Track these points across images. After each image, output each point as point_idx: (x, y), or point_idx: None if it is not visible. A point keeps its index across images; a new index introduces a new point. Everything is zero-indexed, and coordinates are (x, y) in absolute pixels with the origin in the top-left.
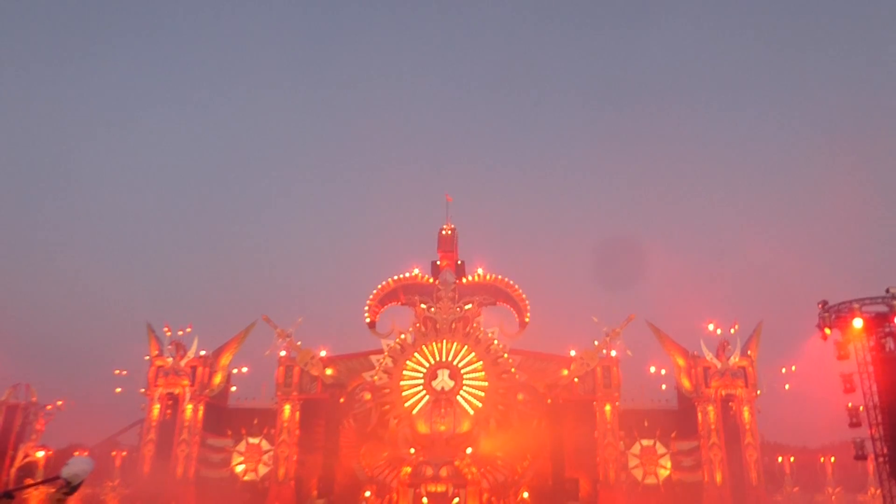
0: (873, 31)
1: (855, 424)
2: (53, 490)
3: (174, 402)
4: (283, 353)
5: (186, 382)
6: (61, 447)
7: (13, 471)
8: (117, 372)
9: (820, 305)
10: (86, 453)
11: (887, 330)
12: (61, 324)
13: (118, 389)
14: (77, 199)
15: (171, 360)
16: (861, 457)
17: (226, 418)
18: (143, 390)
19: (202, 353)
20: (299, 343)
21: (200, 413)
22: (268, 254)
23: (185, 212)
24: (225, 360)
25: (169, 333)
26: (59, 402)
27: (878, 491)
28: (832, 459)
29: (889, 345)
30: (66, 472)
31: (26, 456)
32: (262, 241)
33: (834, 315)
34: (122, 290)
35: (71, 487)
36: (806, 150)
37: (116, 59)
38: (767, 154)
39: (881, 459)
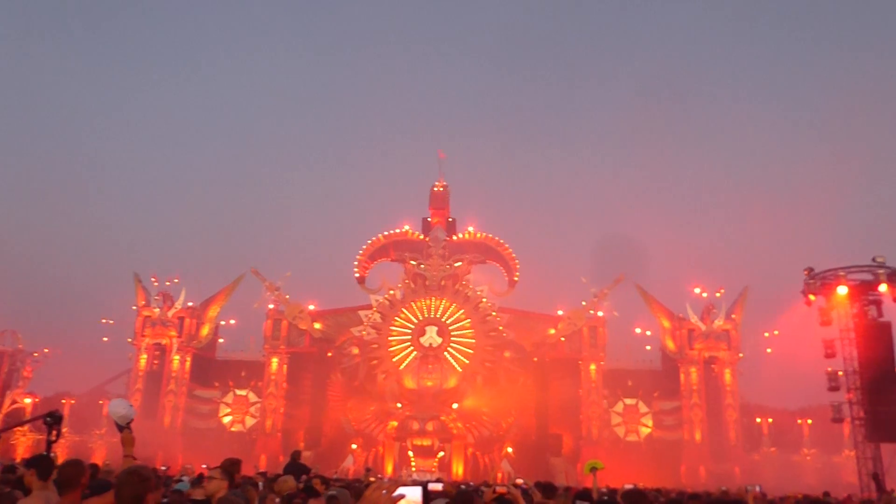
0: (861, 8)
1: (834, 388)
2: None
3: (161, 352)
4: (271, 307)
5: (174, 333)
6: (48, 395)
7: (1, 416)
8: (104, 321)
9: (806, 272)
10: (72, 401)
11: (871, 298)
12: (49, 271)
13: (105, 338)
14: (68, 147)
15: (158, 310)
16: (838, 420)
17: (213, 370)
18: (130, 340)
19: (190, 304)
20: (288, 296)
21: (188, 364)
22: (257, 206)
23: (174, 163)
24: (213, 311)
25: (156, 284)
26: (46, 350)
27: (853, 453)
28: (809, 422)
29: (872, 312)
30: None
31: (14, 402)
32: (251, 193)
33: (819, 282)
34: (110, 238)
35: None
36: (795, 119)
37: (124, 20)
38: (755, 122)
39: (857, 423)
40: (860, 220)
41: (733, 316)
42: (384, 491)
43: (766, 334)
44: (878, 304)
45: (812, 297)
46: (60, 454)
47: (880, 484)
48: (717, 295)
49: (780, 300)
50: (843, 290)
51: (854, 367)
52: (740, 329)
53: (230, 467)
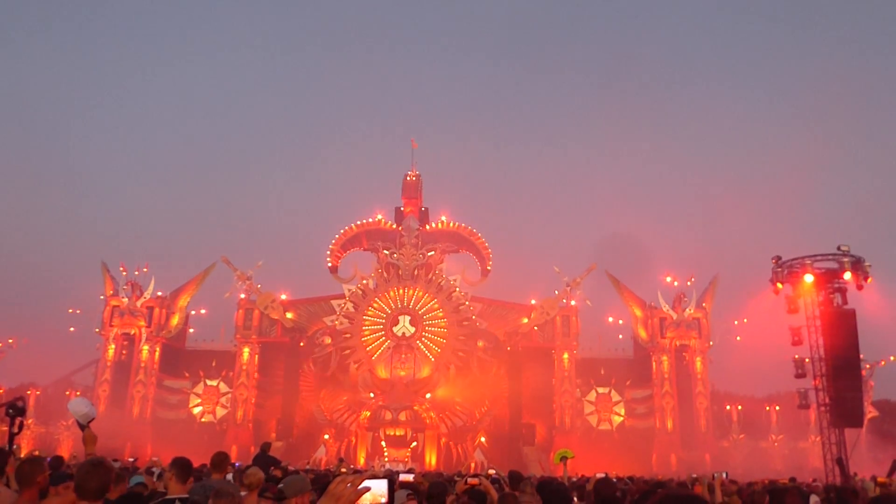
0: (832, 4)
1: (800, 375)
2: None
3: (130, 342)
4: (242, 296)
5: (143, 323)
6: (13, 385)
7: None
8: (71, 310)
9: (774, 261)
10: (38, 392)
11: (836, 286)
12: (14, 259)
13: (72, 328)
14: (34, 134)
15: (126, 300)
16: (804, 406)
17: (183, 360)
18: (97, 330)
19: (159, 293)
20: (259, 286)
21: (157, 354)
22: (229, 194)
23: (143, 150)
24: (183, 301)
25: (125, 273)
26: (11, 340)
27: (818, 438)
28: (777, 408)
29: (837, 300)
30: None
31: None
32: (223, 182)
33: (786, 270)
34: (78, 226)
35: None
36: (764, 110)
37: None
38: (726, 113)
39: (823, 409)
40: (826, 209)
41: (704, 304)
42: (349, 484)
43: (736, 322)
44: (842, 291)
45: (779, 286)
46: (26, 445)
47: (844, 468)
48: (688, 283)
49: (749, 288)
50: (809, 279)
51: (820, 354)
52: (710, 317)
53: (220, 462)
